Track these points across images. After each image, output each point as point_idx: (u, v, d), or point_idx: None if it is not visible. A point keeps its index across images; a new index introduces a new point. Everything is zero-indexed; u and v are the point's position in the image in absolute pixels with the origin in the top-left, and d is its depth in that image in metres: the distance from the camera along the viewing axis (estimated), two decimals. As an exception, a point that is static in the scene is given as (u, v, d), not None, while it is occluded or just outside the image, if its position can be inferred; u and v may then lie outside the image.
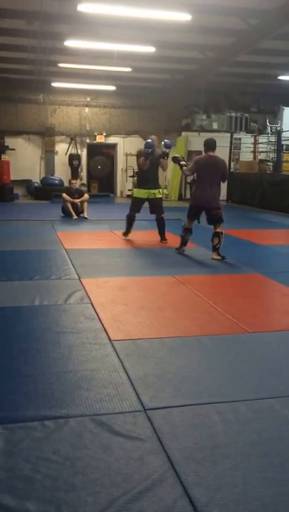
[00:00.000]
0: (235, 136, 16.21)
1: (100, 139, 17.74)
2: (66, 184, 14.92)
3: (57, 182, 16.22)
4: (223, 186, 15.83)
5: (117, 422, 2.42)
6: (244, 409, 2.57)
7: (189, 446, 2.23)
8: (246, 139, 16.54)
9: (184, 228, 6.89)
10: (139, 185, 7.82)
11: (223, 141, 15.38)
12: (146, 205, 7.75)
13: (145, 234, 8.00)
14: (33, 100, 17.02)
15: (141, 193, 7.67)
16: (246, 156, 16.37)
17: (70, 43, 11.08)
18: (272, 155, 15.64)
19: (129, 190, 15.34)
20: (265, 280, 5.51)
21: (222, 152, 15.06)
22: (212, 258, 6.52)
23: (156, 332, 3.72)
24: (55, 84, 16.06)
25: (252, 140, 16.67)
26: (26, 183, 16.88)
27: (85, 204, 10.76)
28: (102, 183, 18.51)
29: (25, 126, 17.16)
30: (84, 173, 17.81)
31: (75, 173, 16.32)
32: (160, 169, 7.73)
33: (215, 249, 6.54)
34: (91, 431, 2.34)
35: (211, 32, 10.87)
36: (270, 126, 16.34)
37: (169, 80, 15.85)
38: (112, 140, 17.99)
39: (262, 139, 16.42)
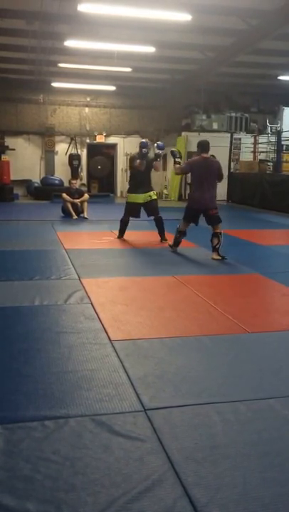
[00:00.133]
0: (235, 136, 16.21)
1: (100, 139, 17.75)
2: (66, 184, 14.92)
3: (57, 182, 16.23)
4: (223, 186, 15.94)
5: (117, 422, 2.42)
6: (244, 409, 2.57)
7: (189, 446, 2.23)
8: (246, 139, 16.54)
9: (178, 230, 6.90)
10: (133, 189, 7.80)
11: (223, 141, 15.43)
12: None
13: (145, 234, 8.00)
14: (33, 100, 17.03)
15: (137, 198, 7.70)
16: (246, 156, 16.37)
17: (70, 43, 11.09)
18: (272, 155, 15.64)
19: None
20: (265, 280, 5.51)
21: (222, 152, 15.17)
22: (212, 258, 6.51)
23: (156, 332, 3.72)
24: (55, 84, 16.06)
25: (252, 140, 16.67)
26: (26, 183, 16.89)
27: (85, 204, 10.77)
28: (102, 183, 18.52)
29: (25, 126, 17.16)
30: (84, 173, 17.82)
31: (75, 173, 16.32)
32: (154, 171, 7.78)
33: (215, 249, 6.54)
34: (91, 431, 2.34)
35: (211, 32, 10.87)
36: (270, 127, 16.34)
37: (169, 80, 15.85)
38: (112, 140, 18.00)
39: (262, 139, 16.42)
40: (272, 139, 15.62)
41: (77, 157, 17.11)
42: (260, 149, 16.44)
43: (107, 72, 14.34)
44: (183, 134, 16.72)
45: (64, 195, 10.81)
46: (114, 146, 18.18)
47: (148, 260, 6.59)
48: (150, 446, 2.23)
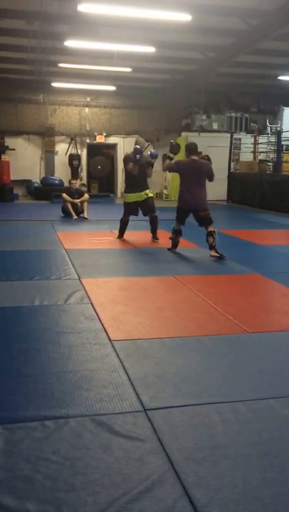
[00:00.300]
0: (235, 136, 16.21)
1: (100, 139, 17.74)
2: (66, 184, 14.91)
3: (57, 182, 16.22)
4: (223, 186, 15.91)
5: (117, 422, 2.42)
6: (244, 409, 2.57)
7: (189, 447, 2.23)
8: (246, 139, 16.53)
9: (174, 230, 7.03)
10: (129, 189, 7.87)
11: (223, 141, 15.44)
12: None
13: (145, 234, 8.00)
14: (33, 100, 17.02)
15: (133, 197, 7.78)
16: (246, 156, 16.37)
17: (70, 43, 11.08)
18: (272, 155, 15.64)
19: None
20: (265, 280, 5.51)
21: (222, 152, 15.20)
22: (211, 256, 6.59)
23: (156, 332, 3.72)
24: (55, 85, 16.06)
25: (252, 140, 16.66)
26: (26, 183, 16.88)
27: (85, 204, 10.77)
28: (102, 183, 18.51)
29: (25, 126, 17.16)
30: (84, 173, 17.81)
31: (75, 173, 16.31)
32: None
33: (212, 247, 6.62)
34: (91, 431, 2.34)
35: (211, 32, 10.87)
36: (270, 127, 16.34)
37: (169, 80, 15.85)
38: (112, 140, 17.99)
39: (262, 139, 16.42)
40: (272, 139, 15.62)
41: (77, 157, 17.11)
42: (260, 149, 16.44)
43: (107, 72, 14.34)
44: (183, 134, 16.70)
45: (64, 195, 10.81)
46: (114, 146, 18.18)
47: (148, 260, 6.59)
48: (150, 446, 2.23)
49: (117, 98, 17.44)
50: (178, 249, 7.02)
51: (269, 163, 15.54)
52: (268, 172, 14.94)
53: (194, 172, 6.75)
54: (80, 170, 17.14)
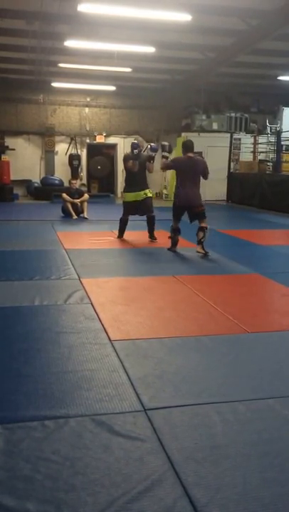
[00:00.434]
0: (235, 136, 16.20)
1: (99, 139, 17.74)
2: (66, 184, 14.92)
3: (57, 182, 16.23)
4: (223, 186, 15.89)
5: (117, 422, 2.42)
6: (244, 409, 2.57)
7: (189, 447, 2.23)
8: (246, 139, 16.53)
9: (172, 229, 7.07)
10: (128, 189, 7.86)
11: (223, 141, 15.45)
12: None
13: (145, 234, 7.99)
14: (33, 100, 17.02)
15: (132, 196, 7.78)
16: (246, 156, 16.36)
17: (70, 43, 11.09)
18: (271, 155, 15.64)
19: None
20: (265, 280, 5.51)
21: (222, 152, 15.21)
22: (197, 251, 6.69)
23: (156, 332, 3.72)
24: (55, 85, 16.06)
25: (252, 140, 16.65)
26: (26, 183, 16.88)
27: (85, 204, 10.77)
28: (102, 183, 18.50)
29: (25, 127, 17.16)
30: (84, 174, 17.81)
31: (75, 173, 16.31)
32: (148, 171, 7.84)
33: (200, 242, 6.71)
34: (91, 431, 2.34)
35: (211, 32, 10.87)
36: (270, 127, 16.34)
37: (169, 80, 15.85)
38: (112, 140, 17.99)
39: (262, 139, 16.42)
40: (272, 139, 15.62)
41: (77, 157, 17.11)
42: (259, 149, 16.44)
43: (107, 72, 14.34)
44: (183, 134, 16.69)
45: (64, 195, 10.81)
46: (114, 147, 18.18)
47: (148, 260, 6.60)
48: (150, 446, 2.23)
49: (117, 98, 17.44)
50: (178, 249, 7.02)
51: (269, 163, 15.55)
52: (267, 172, 14.94)
53: (190, 169, 6.84)
54: (80, 170, 17.14)
